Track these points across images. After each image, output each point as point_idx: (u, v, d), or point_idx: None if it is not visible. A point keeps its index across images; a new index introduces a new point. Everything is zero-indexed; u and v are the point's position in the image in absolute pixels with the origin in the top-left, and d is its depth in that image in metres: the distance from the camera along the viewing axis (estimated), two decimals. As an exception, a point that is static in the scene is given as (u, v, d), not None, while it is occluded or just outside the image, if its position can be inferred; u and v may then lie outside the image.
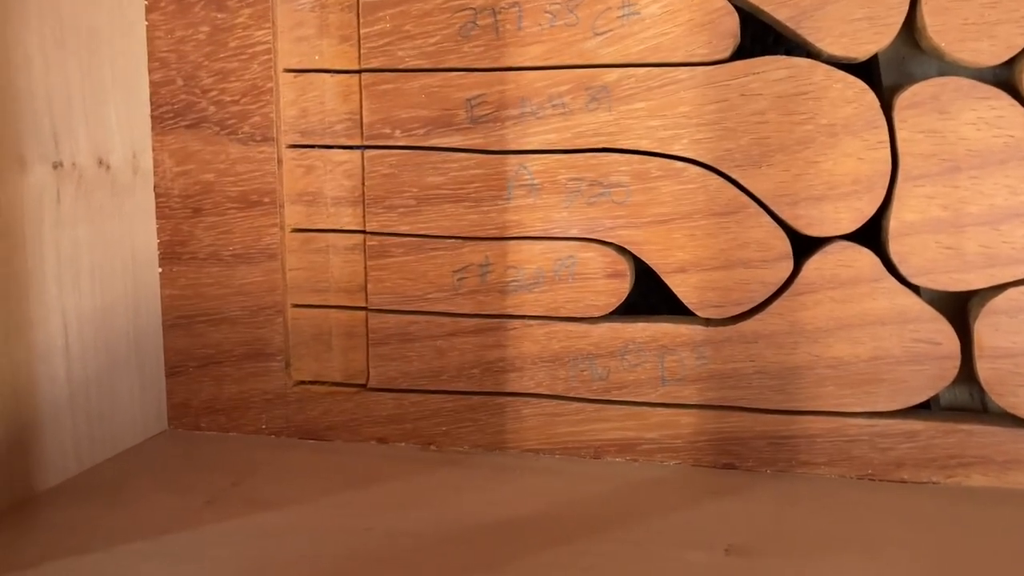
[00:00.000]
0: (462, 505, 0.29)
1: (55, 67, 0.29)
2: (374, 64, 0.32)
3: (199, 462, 0.32)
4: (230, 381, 0.34)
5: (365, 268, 0.33)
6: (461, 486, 0.30)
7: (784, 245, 0.30)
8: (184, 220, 0.34)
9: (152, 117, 0.34)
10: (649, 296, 0.32)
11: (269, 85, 0.33)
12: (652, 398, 0.31)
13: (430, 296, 0.33)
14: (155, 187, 0.34)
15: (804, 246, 0.30)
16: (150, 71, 0.33)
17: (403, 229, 0.33)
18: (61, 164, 0.29)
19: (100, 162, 0.31)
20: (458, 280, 0.32)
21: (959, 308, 0.30)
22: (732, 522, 0.27)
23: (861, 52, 0.29)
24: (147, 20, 0.33)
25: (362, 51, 0.32)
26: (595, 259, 0.31)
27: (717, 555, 0.25)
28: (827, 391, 0.30)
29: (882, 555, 0.25)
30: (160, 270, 0.34)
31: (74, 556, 0.26)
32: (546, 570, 0.25)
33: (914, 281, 0.29)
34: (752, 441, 0.31)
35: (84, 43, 0.30)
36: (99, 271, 0.31)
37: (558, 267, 0.31)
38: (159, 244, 0.34)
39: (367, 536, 0.27)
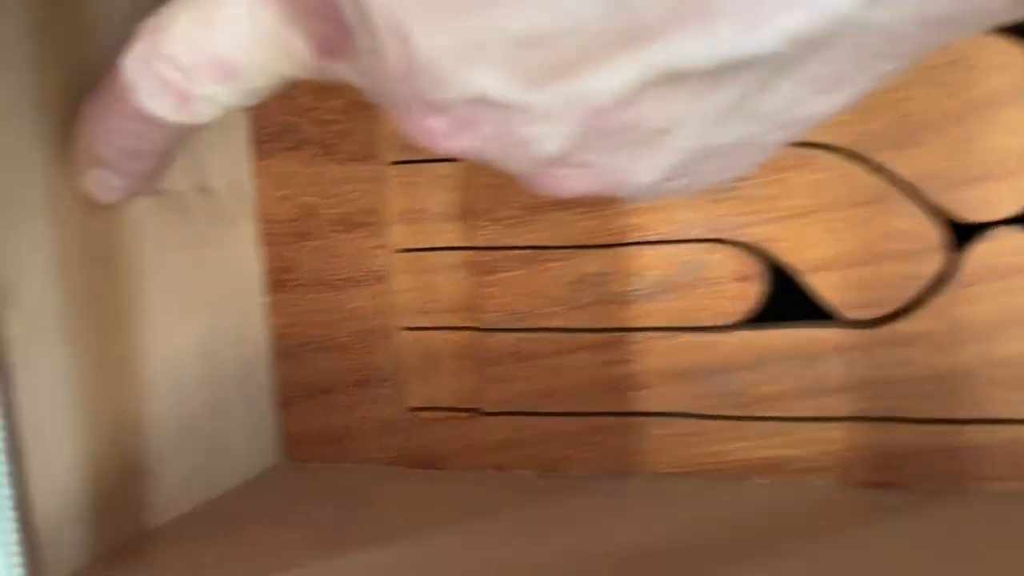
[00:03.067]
0: (591, 536, 0.27)
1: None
2: (475, 69, 0.30)
3: (314, 495, 0.31)
4: (341, 409, 0.33)
5: (474, 286, 0.31)
6: (587, 515, 0.28)
7: (936, 234, 0.27)
8: (288, 245, 0.33)
9: (252, 142, 0.33)
10: (782, 299, 0.30)
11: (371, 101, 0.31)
12: (796, 412, 0.28)
13: (544, 311, 0.31)
14: (257, 213, 0.33)
15: (959, 234, 0.27)
16: (248, 95, 0.33)
17: (512, 242, 0.31)
18: (162, 192, 0.29)
19: (201, 188, 0.30)
20: (574, 292, 0.30)
21: None
22: (900, 549, 0.24)
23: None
24: None
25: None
26: (723, 261, 0.29)
27: (888, 586, 0.22)
28: (997, 395, 0.27)
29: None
30: (266, 298, 0.33)
31: (187, 597, 0.24)
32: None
33: (1096, 266, 0.26)
34: (911, 456, 0.27)
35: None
36: (204, 301, 0.31)
37: (682, 273, 0.29)
38: (264, 271, 0.33)
39: (492, 571, 0.25)
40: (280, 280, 0.33)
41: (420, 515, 0.29)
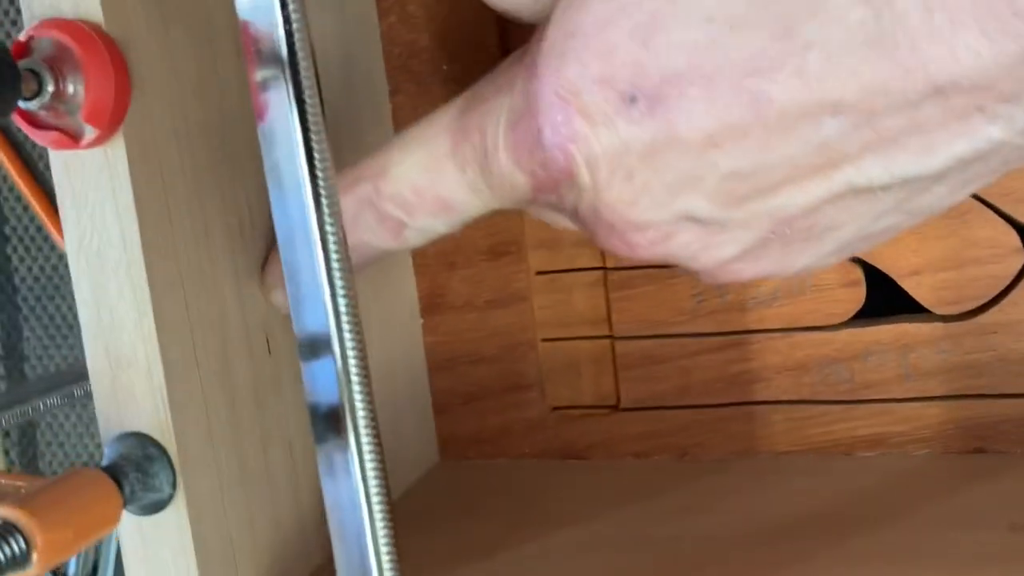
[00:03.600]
0: (736, 509, 0.32)
1: (337, 163, 0.33)
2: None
3: (482, 489, 0.36)
4: (492, 413, 0.38)
5: (607, 300, 0.36)
6: (727, 491, 0.33)
7: (1014, 240, 0.32)
8: (439, 273, 0.38)
9: (403, 186, 0.38)
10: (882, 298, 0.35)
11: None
12: (898, 394, 0.34)
13: (673, 320, 0.36)
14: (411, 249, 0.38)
15: (1033, 238, 0.32)
16: (397, 145, 0.37)
17: (639, 262, 0.36)
18: (349, 240, 0.34)
19: (373, 233, 0.35)
20: (698, 302, 0.35)
21: None
22: (1002, 501, 0.30)
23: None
24: (391, 103, 0.37)
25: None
26: (830, 271, 0.34)
27: (1002, 533, 0.28)
28: (1069, 371, 0.32)
29: None
30: (422, 320, 0.38)
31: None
32: (854, 560, 0.27)
33: None
34: (1000, 424, 0.33)
35: (351, 136, 0.35)
36: (380, 330, 0.36)
37: (795, 282, 0.34)
38: (419, 298, 0.38)
39: (674, 543, 0.30)
40: (433, 304, 0.38)
41: (586, 501, 0.34)
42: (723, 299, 0.35)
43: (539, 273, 0.37)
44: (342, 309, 0.21)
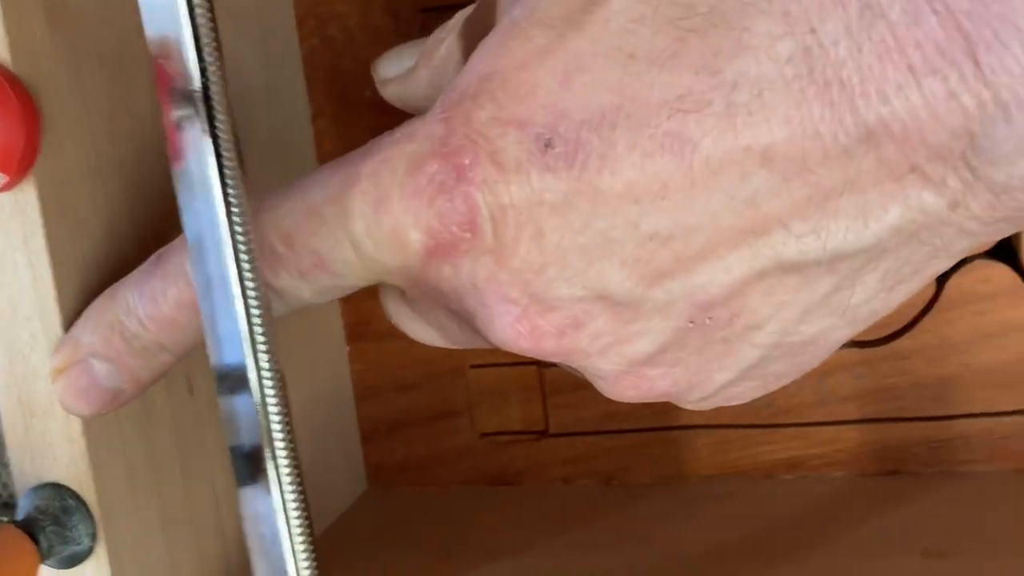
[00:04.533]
0: (662, 535, 0.32)
1: (259, 186, 0.33)
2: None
3: (411, 518, 0.36)
4: (420, 440, 0.38)
5: (535, 327, 0.36)
6: (653, 516, 0.34)
7: (924, 268, 0.33)
8: (365, 300, 0.37)
9: (328, 213, 0.37)
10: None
11: (434, 174, 0.36)
12: (816, 418, 0.35)
13: (599, 346, 0.36)
14: (336, 275, 0.38)
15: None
16: (321, 172, 0.37)
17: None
18: (272, 271, 0.33)
19: (297, 262, 0.35)
20: (623, 330, 0.36)
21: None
22: (915, 525, 0.31)
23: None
24: (313, 127, 0.37)
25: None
26: (751, 299, 0.34)
27: (916, 559, 0.29)
28: (978, 395, 0.33)
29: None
30: (348, 348, 0.38)
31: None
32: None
33: (1050, 289, 0.32)
34: (912, 447, 0.34)
35: (273, 159, 0.34)
36: (306, 359, 0.35)
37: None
38: (344, 325, 0.38)
39: (602, 571, 0.30)
40: (359, 332, 0.38)
41: (516, 529, 0.34)
42: (648, 326, 0.35)
43: (466, 300, 0.37)
44: (261, 355, 0.21)
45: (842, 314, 0.19)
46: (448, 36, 0.22)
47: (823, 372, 0.34)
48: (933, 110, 0.16)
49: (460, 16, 0.23)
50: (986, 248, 0.32)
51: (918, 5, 0.16)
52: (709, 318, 0.18)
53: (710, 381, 0.20)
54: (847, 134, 0.16)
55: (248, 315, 0.21)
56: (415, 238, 0.19)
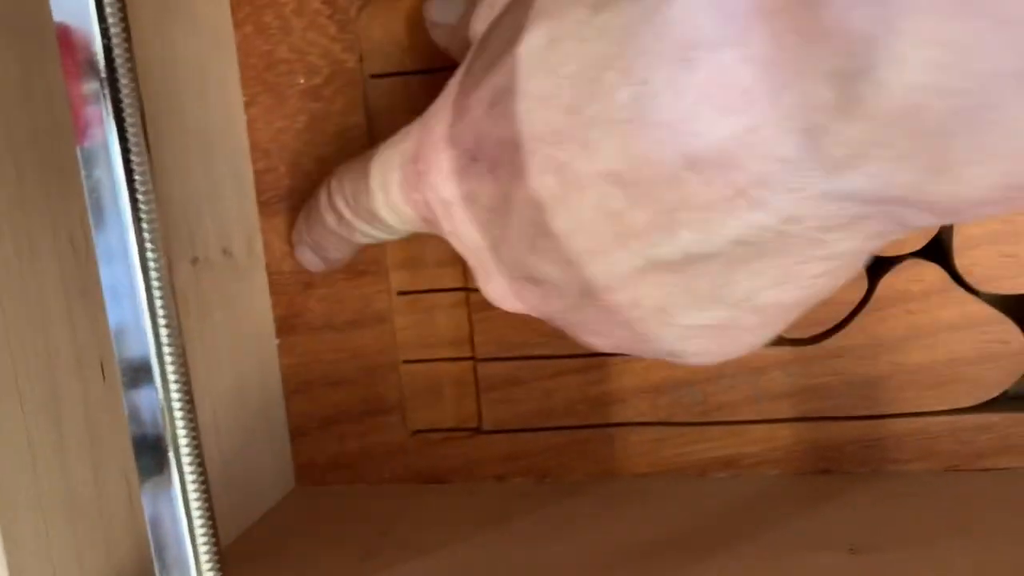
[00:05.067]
0: (594, 532, 0.32)
1: (187, 172, 0.32)
2: (465, 137, 0.35)
3: (340, 516, 0.35)
4: (351, 437, 0.37)
5: (470, 321, 0.36)
6: (586, 514, 0.33)
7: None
8: (297, 294, 0.37)
9: (259, 203, 0.36)
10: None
11: (368, 164, 0.35)
12: (749, 416, 0.34)
13: (534, 342, 0.35)
14: (267, 267, 0.37)
15: (877, 264, 0.33)
16: (253, 160, 0.36)
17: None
18: (197, 259, 0.32)
19: (225, 251, 0.34)
20: (559, 325, 0.35)
21: (1022, 307, 0.33)
22: (845, 522, 0.30)
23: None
24: (247, 115, 0.36)
25: (452, 126, 0.35)
26: (686, 295, 0.34)
27: (843, 555, 0.28)
28: (909, 395, 0.33)
29: (988, 541, 0.28)
30: (277, 341, 0.37)
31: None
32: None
33: (980, 289, 0.32)
34: (846, 446, 0.34)
35: (203, 145, 0.33)
36: (233, 351, 0.34)
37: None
38: (275, 318, 0.37)
39: (533, 568, 0.29)
40: (290, 325, 0.37)
41: (444, 527, 0.33)
42: (583, 322, 0.35)
43: (400, 293, 0.36)
44: (163, 337, 0.20)
45: (736, 305, 0.22)
46: (483, 13, 0.27)
47: (758, 369, 0.34)
48: (743, 142, 0.19)
49: None
50: (918, 247, 0.32)
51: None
52: (614, 300, 0.23)
53: (649, 349, 0.24)
54: (672, 162, 0.20)
55: (151, 303, 0.20)
56: (410, 211, 0.27)
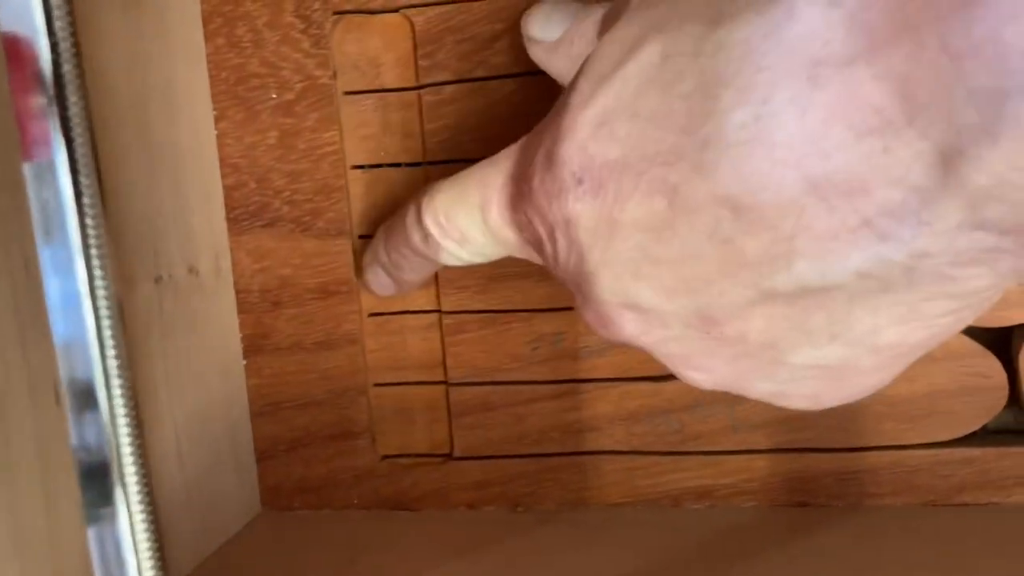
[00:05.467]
0: (567, 562, 0.31)
1: (152, 187, 0.31)
2: (439, 157, 0.34)
3: (306, 542, 0.34)
4: (319, 461, 0.36)
5: (442, 344, 0.35)
6: (558, 544, 0.32)
7: (837, 296, 0.32)
8: (265, 313, 0.36)
9: (228, 220, 0.35)
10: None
11: (340, 183, 0.35)
12: (726, 446, 0.34)
13: (507, 367, 0.35)
14: (235, 285, 0.36)
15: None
16: (223, 176, 0.35)
17: (477, 306, 0.35)
18: (161, 278, 0.31)
19: (190, 269, 0.33)
20: (533, 350, 0.34)
21: (1004, 341, 0.33)
22: (820, 556, 0.30)
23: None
24: (216, 129, 0.35)
25: (426, 146, 0.34)
26: (662, 322, 0.33)
27: (817, 593, 0.28)
28: (887, 427, 0.33)
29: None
30: (245, 362, 0.36)
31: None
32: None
33: (960, 320, 0.32)
34: (822, 479, 0.33)
35: (170, 160, 0.32)
36: (198, 371, 0.33)
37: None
38: (242, 338, 0.36)
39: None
40: (258, 345, 0.36)
41: (411, 556, 0.32)
42: (557, 346, 0.34)
43: (372, 315, 0.36)
44: (110, 359, 0.19)
45: (855, 344, 0.20)
46: (588, 31, 0.26)
47: (735, 398, 0.33)
48: (874, 165, 0.17)
49: (599, 11, 0.26)
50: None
51: (860, 75, 0.17)
52: (720, 334, 0.21)
53: (753, 388, 0.23)
54: (792, 186, 0.18)
55: (98, 323, 0.19)
56: (509, 233, 0.26)
